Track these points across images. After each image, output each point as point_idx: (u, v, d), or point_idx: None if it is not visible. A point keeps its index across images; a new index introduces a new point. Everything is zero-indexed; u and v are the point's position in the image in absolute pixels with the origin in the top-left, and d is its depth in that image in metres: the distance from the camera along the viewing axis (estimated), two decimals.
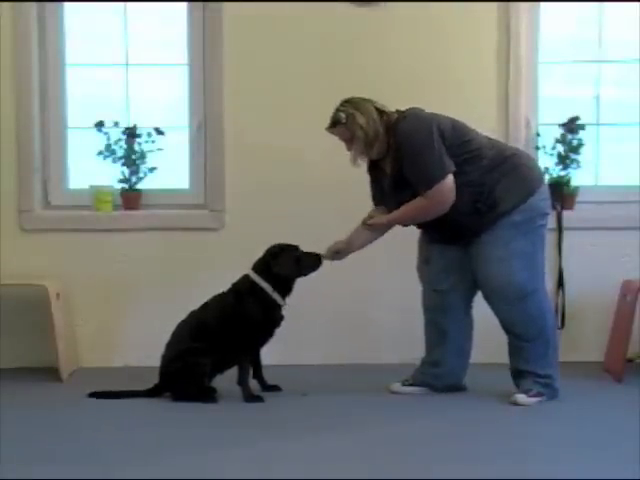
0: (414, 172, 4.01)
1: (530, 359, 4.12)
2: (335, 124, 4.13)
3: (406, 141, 4.02)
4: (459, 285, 4.23)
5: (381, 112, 4.10)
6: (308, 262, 4.25)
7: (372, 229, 4.25)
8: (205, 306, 4.32)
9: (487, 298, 4.16)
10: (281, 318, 4.28)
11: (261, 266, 4.27)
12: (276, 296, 4.24)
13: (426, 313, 4.35)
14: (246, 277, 4.29)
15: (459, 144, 4.03)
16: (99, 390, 4.27)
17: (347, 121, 4.08)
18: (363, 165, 4.24)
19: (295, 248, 4.28)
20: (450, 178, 3.98)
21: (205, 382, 4.23)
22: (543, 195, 4.12)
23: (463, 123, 4.13)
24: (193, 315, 4.33)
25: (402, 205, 4.11)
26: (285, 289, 4.26)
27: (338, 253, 4.30)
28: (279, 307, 4.26)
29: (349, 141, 4.13)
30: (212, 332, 4.22)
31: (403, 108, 4.13)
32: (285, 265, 4.22)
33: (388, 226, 4.24)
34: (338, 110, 4.13)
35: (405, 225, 4.21)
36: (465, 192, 4.00)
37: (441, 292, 4.25)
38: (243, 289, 4.27)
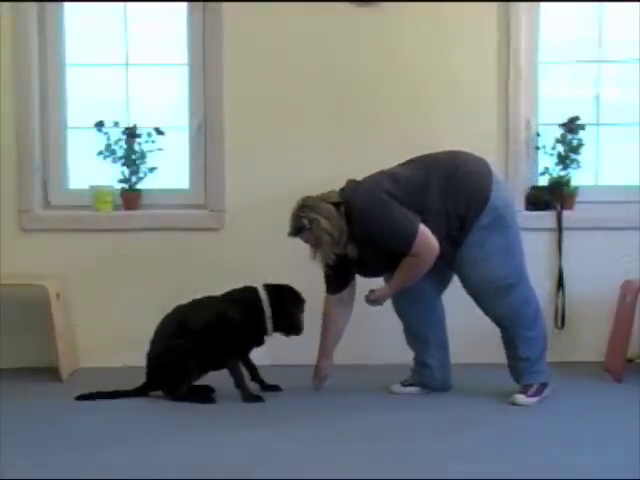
0: (390, 242, 4.05)
1: (525, 346, 4.14)
2: (299, 231, 4.14)
3: (366, 221, 4.06)
4: (432, 282, 4.23)
5: (337, 205, 4.12)
6: (293, 326, 4.29)
7: (377, 303, 4.26)
8: (194, 305, 4.31)
9: (473, 297, 4.18)
10: (264, 339, 4.30)
11: (275, 293, 4.27)
12: (269, 324, 4.25)
13: (404, 319, 4.38)
14: (253, 291, 4.28)
15: (410, 195, 4.05)
16: (88, 392, 4.26)
17: (311, 226, 4.10)
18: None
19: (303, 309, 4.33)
20: (422, 227, 4.02)
21: (192, 379, 4.22)
22: (498, 191, 4.11)
23: (397, 168, 4.16)
24: (179, 312, 4.31)
25: (384, 270, 4.18)
26: (279, 323, 4.26)
27: (325, 379, 4.36)
28: (265, 332, 4.27)
29: (315, 244, 4.14)
30: (196, 334, 4.21)
31: (341, 186, 4.18)
32: (297, 318, 4.28)
33: (390, 295, 4.25)
34: (299, 217, 4.13)
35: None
36: (436, 226, 4.04)
37: (411, 294, 4.26)
38: (242, 299, 4.26)
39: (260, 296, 4.26)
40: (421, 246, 4.02)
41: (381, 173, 4.17)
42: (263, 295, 4.27)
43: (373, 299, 4.23)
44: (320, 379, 4.35)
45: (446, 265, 4.15)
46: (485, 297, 4.14)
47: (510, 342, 4.18)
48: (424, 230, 4.02)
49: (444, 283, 4.31)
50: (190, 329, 4.22)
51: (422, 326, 4.34)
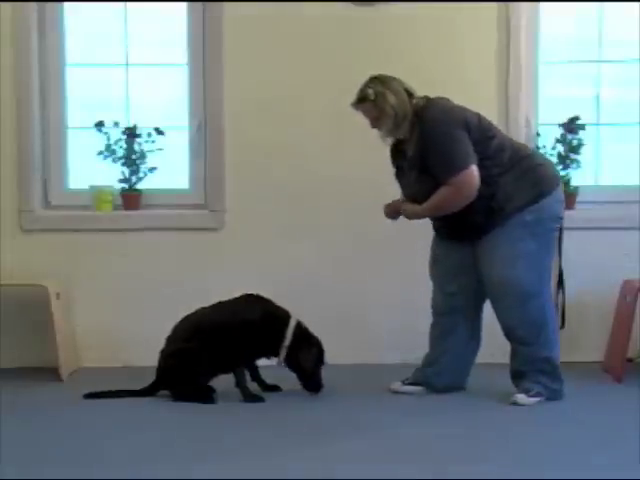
0: (437, 161, 3.98)
1: (530, 361, 4.12)
2: (362, 100, 4.07)
3: (432, 130, 4.00)
4: (467, 288, 4.20)
5: (409, 93, 4.08)
6: (316, 380, 4.25)
7: (406, 216, 4.18)
8: (217, 309, 4.29)
9: (491, 298, 4.16)
10: (272, 357, 4.29)
11: (303, 329, 4.25)
12: (283, 352, 4.23)
13: (433, 314, 4.34)
14: (286, 315, 4.26)
15: (483, 140, 4.02)
16: (96, 391, 4.26)
17: (376, 98, 4.04)
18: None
19: (322, 363, 4.28)
20: (473, 167, 3.96)
21: (201, 381, 4.23)
22: (557, 198, 4.09)
23: (488, 120, 4.13)
24: (200, 313, 4.31)
25: (421, 195, 4.07)
26: (289, 359, 4.24)
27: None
28: (276, 351, 4.25)
29: (375, 119, 4.08)
30: (211, 337, 4.20)
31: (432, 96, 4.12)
32: (309, 359, 4.23)
33: (417, 216, 4.15)
34: (367, 86, 4.07)
35: (433, 216, 4.15)
36: (481, 189, 3.98)
37: (449, 294, 4.23)
38: (270, 316, 4.24)
39: (289, 323, 4.24)
40: (464, 179, 3.94)
41: (473, 112, 4.10)
42: (292, 322, 4.24)
43: (404, 209, 4.16)
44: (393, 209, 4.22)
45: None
46: (500, 298, 4.10)
47: (518, 356, 4.15)
48: (473, 170, 3.94)
49: (483, 294, 4.21)
50: (207, 331, 4.21)
51: (448, 324, 4.25)
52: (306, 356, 4.23)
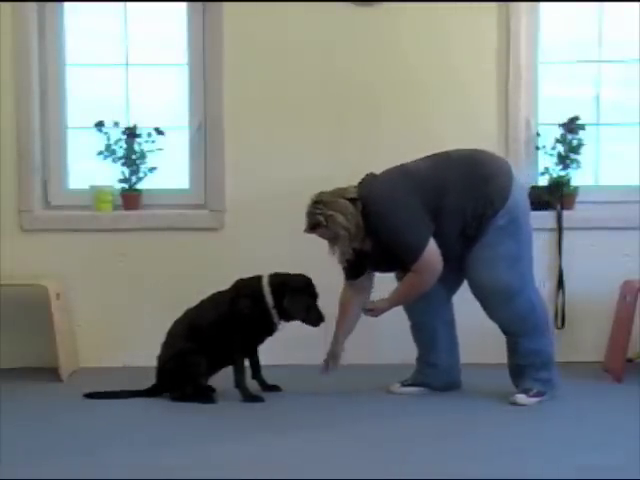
0: (396, 249, 4.04)
1: (527, 354, 4.13)
2: (315, 227, 4.12)
3: (379, 223, 4.03)
4: (442, 283, 4.20)
5: (352, 201, 4.08)
6: (311, 317, 4.23)
7: (374, 315, 4.24)
8: (201, 304, 4.32)
9: (479, 300, 4.16)
10: (275, 328, 4.28)
11: (277, 283, 4.23)
12: (274, 313, 4.23)
13: (411, 316, 4.37)
14: (257, 280, 4.27)
15: (425, 190, 4.03)
16: (96, 391, 4.27)
17: (327, 223, 4.07)
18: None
19: (314, 296, 4.25)
20: (431, 243, 4.00)
21: (201, 382, 4.23)
22: (517, 193, 4.08)
23: (418, 163, 4.13)
24: (188, 314, 4.33)
25: (394, 268, 4.18)
26: (284, 316, 4.25)
27: (334, 358, 4.33)
28: (273, 322, 4.25)
29: (332, 240, 4.12)
30: (206, 331, 4.22)
31: (357, 182, 4.14)
32: (295, 306, 4.20)
33: (388, 309, 4.23)
34: (314, 213, 4.10)
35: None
36: (451, 224, 4.02)
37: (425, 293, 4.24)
38: (246, 290, 4.25)
39: (263, 287, 4.23)
40: (424, 265, 4.01)
41: (400, 169, 4.13)
42: (266, 285, 4.24)
43: (370, 309, 4.22)
44: (333, 363, 4.30)
45: (458, 267, 4.12)
46: (489, 300, 4.12)
47: (514, 349, 4.16)
48: (430, 250, 4.00)
49: (456, 285, 4.29)
50: (201, 328, 4.23)
51: (429, 326, 4.32)
52: (293, 306, 4.20)
